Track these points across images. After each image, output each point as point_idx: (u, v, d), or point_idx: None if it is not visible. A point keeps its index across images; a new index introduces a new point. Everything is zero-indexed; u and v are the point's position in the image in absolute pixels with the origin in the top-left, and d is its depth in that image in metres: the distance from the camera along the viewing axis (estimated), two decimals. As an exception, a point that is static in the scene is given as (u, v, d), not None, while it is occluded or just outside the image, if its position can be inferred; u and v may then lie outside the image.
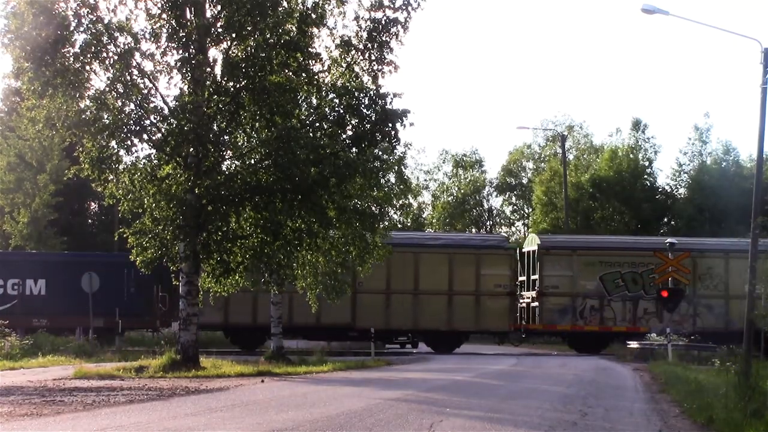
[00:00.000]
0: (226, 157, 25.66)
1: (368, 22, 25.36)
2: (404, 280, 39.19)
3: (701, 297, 40.53)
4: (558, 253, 41.11)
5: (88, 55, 23.74)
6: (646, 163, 63.46)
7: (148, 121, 24.44)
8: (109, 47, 23.92)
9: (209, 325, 37.75)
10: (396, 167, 31.29)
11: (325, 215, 24.63)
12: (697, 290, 40.32)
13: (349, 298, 36.15)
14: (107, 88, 24.05)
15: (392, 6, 25.27)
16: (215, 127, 24.70)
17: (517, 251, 43.71)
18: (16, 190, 45.77)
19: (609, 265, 40.84)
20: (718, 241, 44.95)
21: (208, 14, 24.43)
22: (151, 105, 24.37)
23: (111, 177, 24.62)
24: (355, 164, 24.62)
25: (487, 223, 70.80)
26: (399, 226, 58.32)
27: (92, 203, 59.23)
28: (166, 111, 24.49)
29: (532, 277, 41.37)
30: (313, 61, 24.89)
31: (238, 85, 24.25)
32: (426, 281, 39.42)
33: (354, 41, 25.48)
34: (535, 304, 40.75)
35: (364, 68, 25.60)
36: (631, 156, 62.24)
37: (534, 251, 41.44)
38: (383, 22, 25.27)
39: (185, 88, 24.17)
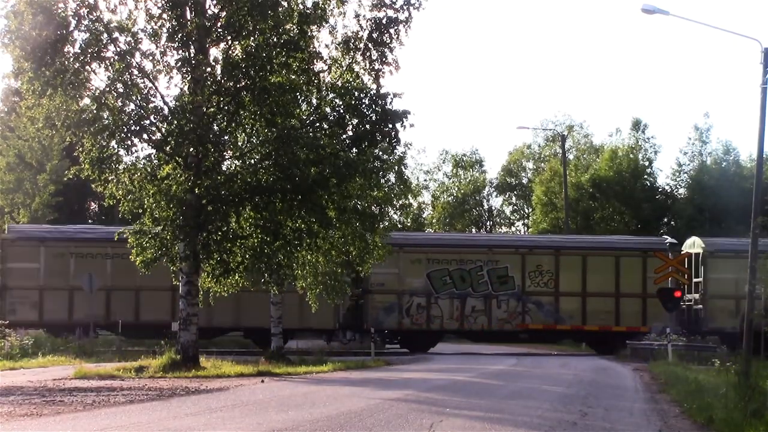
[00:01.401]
0: (226, 157, 25.66)
1: (369, 22, 25.36)
2: None
3: (530, 294, 40.01)
4: None
5: (88, 55, 23.73)
6: (646, 163, 63.49)
7: (148, 121, 24.43)
8: (109, 47, 23.92)
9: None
10: (396, 167, 31.27)
11: (325, 215, 24.62)
12: (526, 287, 39.94)
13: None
14: (107, 88, 24.04)
15: (393, 6, 25.26)
16: (215, 127, 24.69)
17: None
18: (16, 190, 45.79)
19: (437, 263, 40.21)
20: (548, 238, 45.67)
21: (209, 14, 24.41)
22: (151, 105, 24.37)
23: (111, 177, 24.61)
24: (355, 164, 24.63)
25: (488, 223, 70.82)
26: (399, 226, 58.36)
27: (92, 203, 59.29)
28: (166, 111, 24.49)
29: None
30: (314, 61, 24.89)
31: (238, 85, 24.24)
32: None
33: (354, 41, 25.48)
34: (362, 301, 40.14)
35: (365, 68, 25.60)
36: (631, 156, 62.26)
37: None
38: (384, 21, 25.27)
39: (185, 88, 24.16)
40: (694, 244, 42.09)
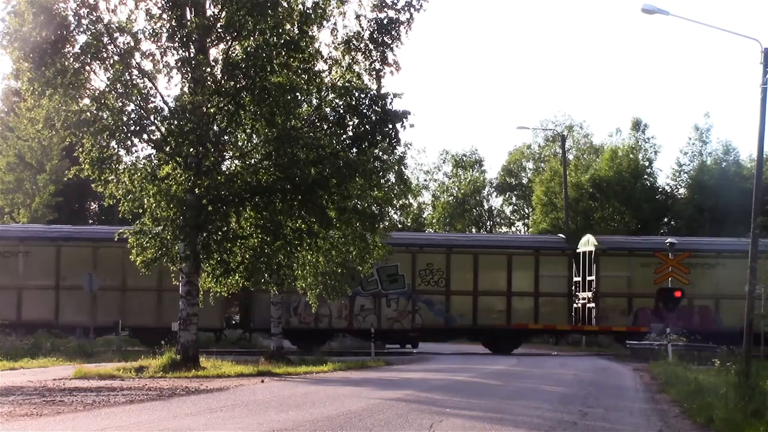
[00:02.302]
0: (226, 157, 25.66)
1: (370, 22, 25.34)
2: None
3: (421, 293, 39.74)
4: None
5: (88, 55, 23.72)
6: (646, 163, 63.49)
7: (148, 121, 24.42)
8: (109, 47, 23.90)
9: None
10: (396, 167, 31.25)
11: (325, 215, 24.62)
12: (416, 286, 39.68)
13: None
14: (107, 88, 24.03)
15: (394, 7, 25.24)
16: (215, 127, 24.68)
17: None
18: (16, 190, 45.80)
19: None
20: (440, 236, 45.59)
21: (209, 14, 24.41)
22: (151, 105, 24.35)
23: (111, 177, 24.61)
24: (356, 164, 24.62)
25: (488, 223, 70.80)
26: (399, 226, 58.34)
27: (92, 203, 59.27)
28: (166, 111, 24.48)
29: None
30: (314, 61, 24.88)
31: (238, 85, 24.23)
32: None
33: (355, 41, 25.47)
34: (249, 300, 39.63)
35: (366, 68, 25.59)
36: (631, 156, 62.27)
37: None
38: (385, 22, 25.26)
39: (185, 88, 24.16)
40: (588, 242, 42.40)
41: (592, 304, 40.72)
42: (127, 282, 38.07)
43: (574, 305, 41.38)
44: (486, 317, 39.65)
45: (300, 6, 24.77)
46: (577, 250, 42.48)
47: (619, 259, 40.95)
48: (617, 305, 40.27)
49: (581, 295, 41.66)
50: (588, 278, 41.20)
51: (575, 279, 41.63)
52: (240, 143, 25.99)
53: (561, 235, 46.52)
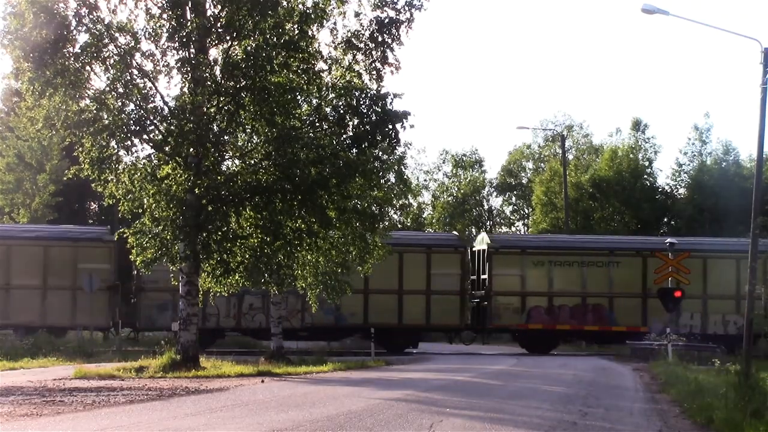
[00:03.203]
0: (226, 157, 25.65)
1: (371, 22, 25.32)
2: None
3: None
4: None
5: (88, 55, 23.72)
6: (646, 163, 63.48)
7: (148, 121, 24.42)
8: (109, 47, 23.90)
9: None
10: (396, 167, 31.27)
11: (325, 215, 24.62)
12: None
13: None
14: (107, 88, 24.04)
15: (394, 7, 25.22)
16: (215, 127, 24.68)
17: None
18: (15, 190, 45.80)
19: None
20: None
21: (209, 14, 24.41)
22: (151, 105, 24.36)
23: (111, 177, 24.61)
24: (355, 164, 24.63)
25: (487, 223, 70.78)
26: (399, 226, 58.32)
27: (92, 203, 59.24)
28: (166, 111, 24.48)
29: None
30: (314, 61, 24.87)
31: (238, 85, 24.22)
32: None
33: (355, 41, 25.46)
34: (134, 299, 39.38)
35: (366, 68, 25.57)
36: (631, 156, 62.25)
37: None
38: (385, 21, 25.25)
39: (185, 88, 24.15)
40: (482, 241, 42.43)
41: (485, 303, 40.59)
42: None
43: (469, 304, 41.19)
44: (377, 316, 39.04)
45: (300, 6, 24.77)
46: (473, 249, 42.63)
47: (512, 257, 40.70)
48: (510, 304, 39.96)
49: (476, 293, 41.52)
50: (482, 276, 41.09)
51: (472, 277, 41.69)
52: (240, 143, 25.99)
53: (455, 232, 46.30)
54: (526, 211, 70.71)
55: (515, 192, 71.23)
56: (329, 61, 25.65)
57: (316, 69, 25.00)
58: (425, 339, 43.75)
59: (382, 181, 29.05)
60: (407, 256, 39.48)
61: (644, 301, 40.03)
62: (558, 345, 41.62)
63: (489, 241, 41.37)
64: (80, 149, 24.62)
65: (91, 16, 23.71)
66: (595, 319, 40.31)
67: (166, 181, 24.24)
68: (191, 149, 24.06)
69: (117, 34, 23.85)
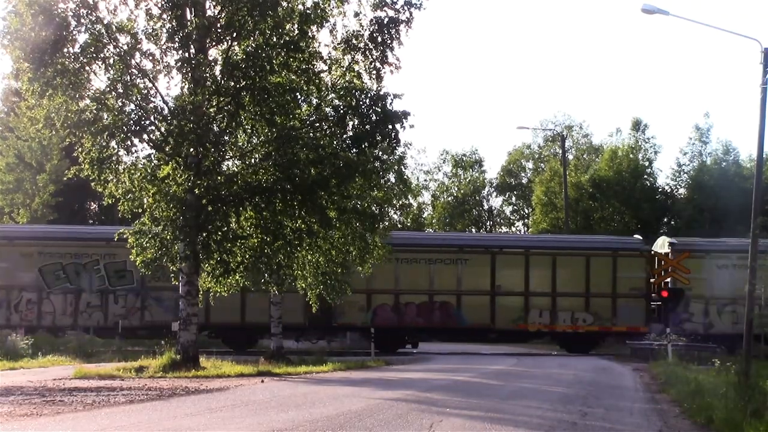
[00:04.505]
0: (226, 157, 25.65)
1: (370, 22, 25.33)
2: None
3: (152, 289, 38.65)
4: None
5: (88, 55, 23.72)
6: (646, 163, 63.50)
7: (148, 121, 24.43)
8: (109, 47, 23.91)
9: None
10: (396, 167, 31.27)
11: (325, 215, 24.63)
12: (146, 282, 38.35)
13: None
14: (107, 88, 24.04)
15: (394, 7, 25.23)
16: (215, 127, 24.68)
17: None
18: (15, 190, 45.80)
19: (49, 256, 38.74)
20: None
21: (209, 14, 24.41)
22: (151, 105, 24.36)
23: (111, 177, 24.61)
24: (356, 164, 24.63)
25: (487, 224, 70.80)
26: (399, 226, 58.30)
27: (92, 203, 59.26)
28: (166, 111, 24.49)
29: None
30: (314, 61, 24.88)
31: (238, 85, 24.23)
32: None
33: (355, 41, 25.47)
34: None
35: (366, 68, 25.58)
36: (631, 156, 62.28)
37: None
38: (385, 21, 25.26)
39: (185, 88, 24.16)
40: None
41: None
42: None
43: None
44: (220, 314, 38.34)
45: (300, 6, 24.78)
46: None
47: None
48: (355, 302, 38.76)
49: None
50: None
51: None
52: (240, 143, 26.00)
53: None
54: (526, 211, 70.75)
55: (515, 192, 71.27)
56: (329, 62, 25.67)
57: (316, 69, 25.00)
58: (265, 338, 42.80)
59: (382, 181, 29.05)
60: None
61: (492, 299, 39.84)
62: (405, 343, 40.62)
63: None
64: (80, 149, 24.62)
65: (90, 17, 23.71)
66: (443, 317, 39.79)
67: (166, 181, 24.24)
68: (191, 149, 24.06)
69: (117, 34, 23.85)
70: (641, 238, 43.55)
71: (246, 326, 39.40)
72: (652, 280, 40.33)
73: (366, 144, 25.47)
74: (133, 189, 24.49)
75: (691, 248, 40.56)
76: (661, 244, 41.91)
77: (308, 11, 24.59)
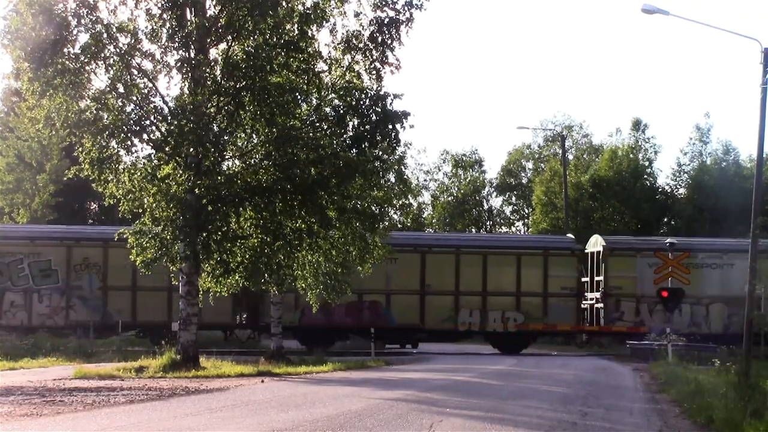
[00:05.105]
0: (226, 157, 25.65)
1: (370, 23, 25.31)
2: None
3: (77, 288, 38.45)
4: None
5: (88, 55, 23.72)
6: (646, 163, 63.52)
7: (148, 121, 24.43)
8: (109, 47, 23.90)
9: None
10: (396, 167, 31.27)
11: (325, 215, 24.62)
12: (71, 281, 38.36)
13: None
14: (107, 88, 24.03)
15: (394, 7, 25.22)
16: (215, 127, 24.68)
17: None
18: (15, 190, 45.79)
19: None
20: (92, 229, 44.42)
21: (209, 14, 24.41)
22: (151, 105, 24.35)
23: (111, 177, 24.61)
24: (356, 164, 24.63)
25: (488, 223, 70.80)
26: (399, 226, 58.29)
27: (92, 203, 59.28)
28: (166, 111, 24.49)
29: None
30: (314, 61, 24.88)
31: (238, 85, 24.23)
32: None
33: (355, 41, 25.46)
34: None
35: (366, 68, 25.58)
36: (631, 156, 62.29)
37: None
38: (385, 21, 25.25)
39: (185, 88, 24.16)
40: None
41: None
42: None
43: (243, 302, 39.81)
44: (145, 313, 38.12)
45: (300, 6, 24.78)
46: None
47: None
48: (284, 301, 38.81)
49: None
50: None
51: None
52: (240, 143, 25.99)
53: None
54: (526, 211, 70.75)
55: (515, 192, 71.27)
56: (329, 62, 25.66)
57: (316, 69, 25.01)
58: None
59: (382, 181, 29.04)
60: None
61: (422, 298, 39.66)
62: (334, 343, 39.94)
63: None
64: (80, 149, 24.62)
65: (90, 17, 23.71)
66: (372, 316, 39.38)
67: (166, 181, 24.24)
68: (191, 149, 24.06)
69: (117, 34, 23.85)
70: (573, 237, 43.72)
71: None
72: (584, 279, 40.57)
73: (366, 144, 25.46)
74: (134, 189, 24.49)
75: (623, 247, 41.24)
76: (594, 243, 41.99)
77: (308, 11, 24.58)
